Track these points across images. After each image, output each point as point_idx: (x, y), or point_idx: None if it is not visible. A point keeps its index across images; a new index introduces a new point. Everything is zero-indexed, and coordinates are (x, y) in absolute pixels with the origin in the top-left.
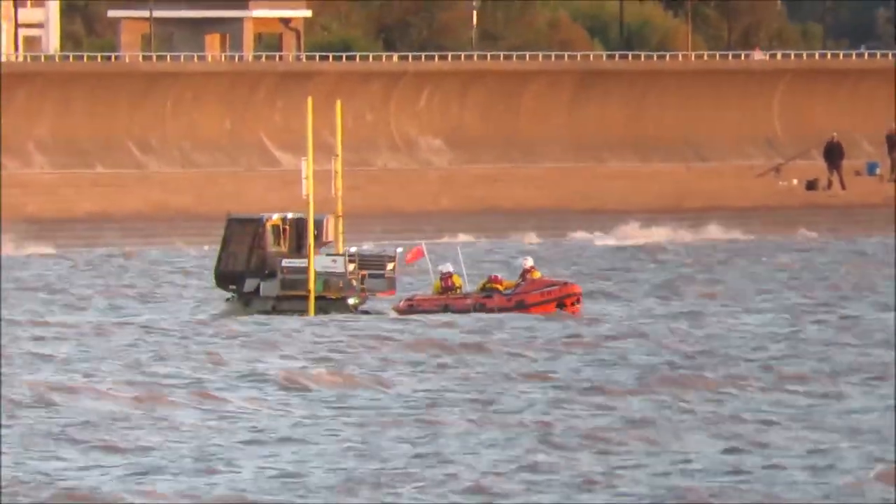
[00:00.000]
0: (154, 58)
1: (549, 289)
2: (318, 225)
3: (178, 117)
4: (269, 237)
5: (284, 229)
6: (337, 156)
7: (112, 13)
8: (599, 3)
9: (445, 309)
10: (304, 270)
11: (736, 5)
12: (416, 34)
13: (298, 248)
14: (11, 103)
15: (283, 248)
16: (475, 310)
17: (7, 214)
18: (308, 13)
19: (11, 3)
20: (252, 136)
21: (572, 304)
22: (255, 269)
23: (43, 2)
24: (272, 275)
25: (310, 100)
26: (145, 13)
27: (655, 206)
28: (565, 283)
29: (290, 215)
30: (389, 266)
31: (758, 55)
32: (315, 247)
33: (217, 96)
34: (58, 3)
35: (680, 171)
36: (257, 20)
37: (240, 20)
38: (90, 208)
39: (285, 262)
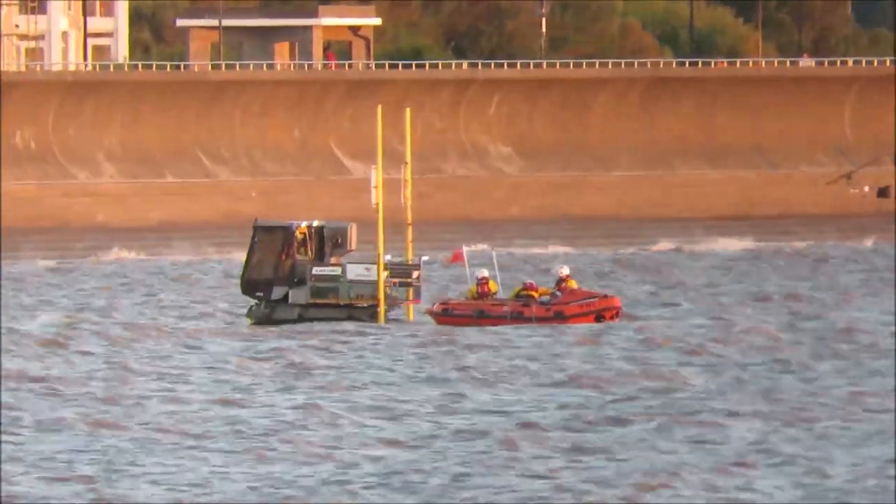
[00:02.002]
0: (223, 67)
1: (588, 300)
2: (343, 233)
3: (247, 126)
4: (297, 245)
5: (309, 237)
6: (406, 164)
7: (181, 22)
8: (670, 10)
9: (481, 314)
10: (335, 278)
11: (808, 11)
12: (485, 42)
13: (321, 257)
14: (81, 113)
15: (308, 256)
16: (511, 317)
17: (77, 223)
18: (377, 21)
19: (81, 12)
20: (321, 145)
21: (611, 317)
22: (284, 277)
23: (112, 11)
24: (301, 282)
25: (379, 108)
26: (214, 22)
27: (726, 214)
28: (605, 296)
29: (315, 223)
30: (415, 274)
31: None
32: (338, 255)
33: (286, 105)
34: (127, 12)
35: (751, 179)
36: (326, 28)
37: (309, 28)
38: (160, 217)
39: (315, 270)
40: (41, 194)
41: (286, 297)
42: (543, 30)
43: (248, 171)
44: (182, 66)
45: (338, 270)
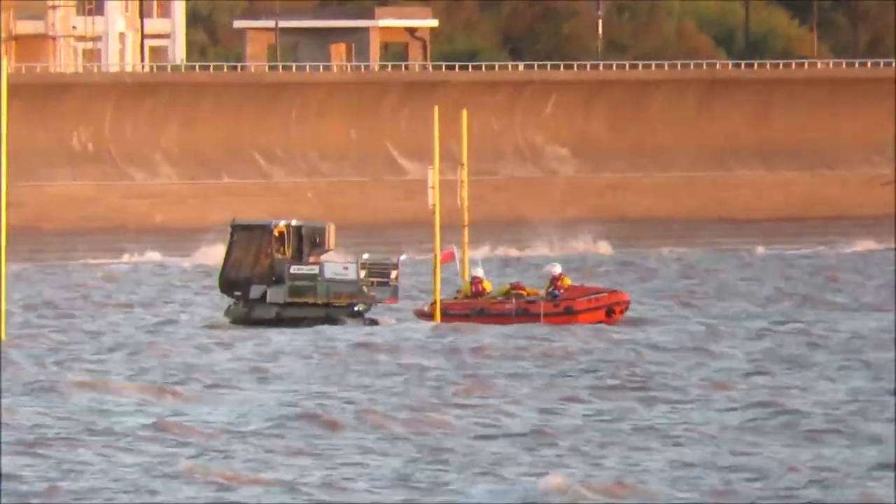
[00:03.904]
0: (280, 68)
1: (597, 296)
2: (321, 233)
3: (303, 127)
4: (275, 244)
5: (288, 237)
6: (463, 165)
7: (238, 24)
8: (725, 11)
9: (481, 313)
10: (312, 277)
11: (863, 12)
12: (542, 43)
13: (299, 256)
14: (138, 114)
15: (286, 255)
16: (517, 314)
17: (133, 225)
18: (434, 22)
19: (138, 13)
20: (378, 146)
21: (621, 311)
22: (262, 276)
23: (169, 12)
24: (279, 281)
25: (436, 109)
26: (271, 23)
27: (782, 215)
28: (613, 291)
29: (294, 222)
30: (393, 274)
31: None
32: (316, 254)
33: (343, 106)
34: (184, 13)
35: (806, 179)
36: (383, 29)
37: (366, 30)
38: (217, 218)
39: (294, 269)
40: (98, 195)
41: (264, 296)
42: (600, 31)
43: (305, 172)
44: (239, 68)
45: (315, 269)
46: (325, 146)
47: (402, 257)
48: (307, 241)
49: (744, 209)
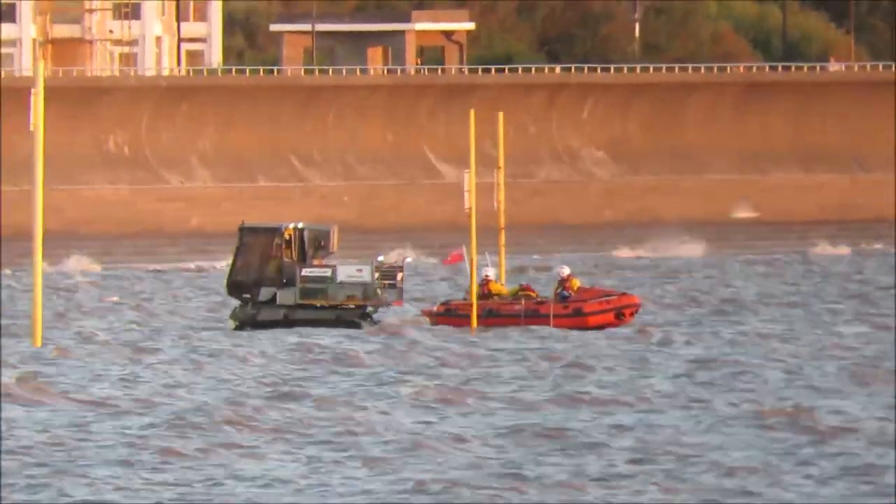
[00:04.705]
0: (316, 71)
1: (607, 297)
2: (325, 236)
3: (340, 130)
4: (284, 247)
5: (292, 239)
6: (499, 168)
7: (274, 27)
8: (762, 14)
9: (490, 314)
10: (323, 280)
11: None
12: (579, 46)
13: (303, 258)
14: (174, 118)
15: (292, 258)
16: (526, 315)
17: (170, 228)
18: (471, 26)
19: (174, 17)
20: (414, 149)
21: (631, 314)
22: (271, 278)
23: (205, 16)
24: (290, 283)
25: (472, 112)
26: (307, 27)
27: (819, 218)
28: (623, 293)
29: (300, 225)
30: (399, 276)
31: (833, 66)
32: (320, 257)
33: (379, 109)
34: (220, 17)
35: (843, 183)
36: (420, 33)
37: (402, 33)
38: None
39: (304, 272)
40: (134, 199)
41: (273, 298)
42: (637, 34)
43: (341, 176)
44: (275, 71)
45: (328, 272)
46: (362, 149)
47: (408, 260)
48: (311, 244)
49: (781, 212)
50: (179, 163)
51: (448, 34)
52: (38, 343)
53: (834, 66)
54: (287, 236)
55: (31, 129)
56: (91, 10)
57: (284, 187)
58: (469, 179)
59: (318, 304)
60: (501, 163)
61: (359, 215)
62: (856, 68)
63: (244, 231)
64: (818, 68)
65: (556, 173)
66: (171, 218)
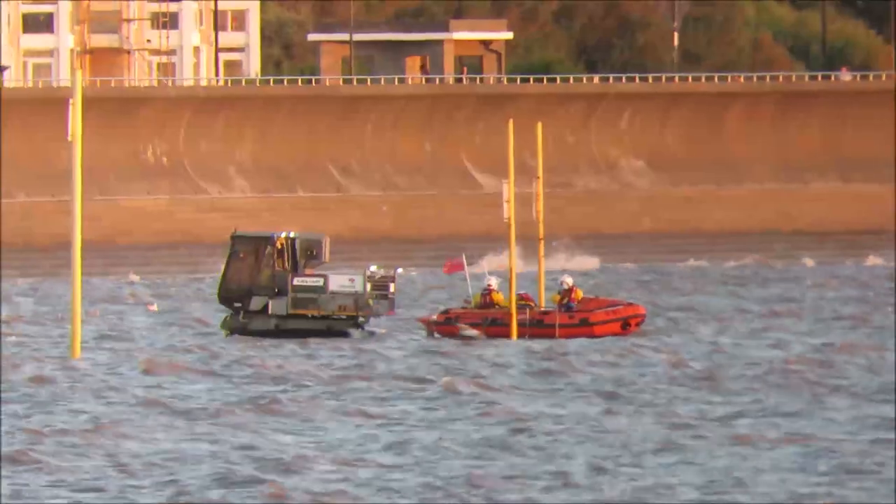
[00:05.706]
0: (354, 81)
1: (613, 307)
2: (317, 245)
3: (378, 140)
4: (276, 255)
5: (284, 248)
6: (538, 178)
7: (312, 37)
8: (801, 22)
9: (492, 323)
10: (316, 289)
11: None
12: (617, 55)
13: (294, 268)
14: (212, 128)
15: (284, 268)
16: (530, 324)
17: (209, 238)
18: (509, 35)
19: (212, 27)
20: (452, 159)
21: (637, 324)
22: (264, 287)
23: (244, 26)
24: (281, 293)
25: (510, 122)
26: (345, 37)
27: (858, 228)
28: (630, 304)
29: (292, 234)
30: (391, 287)
31: (845, 75)
32: (312, 267)
33: (417, 119)
34: (258, 27)
35: (883, 193)
36: (458, 42)
37: (440, 43)
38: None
39: (296, 281)
40: (172, 209)
41: (265, 307)
42: (675, 43)
43: (380, 186)
44: (313, 81)
45: (320, 281)
46: (400, 159)
47: (399, 270)
48: (303, 254)
49: (820, 222)
50: (218, 173)
51: (486, 43)
52: (77, 354)
53: (846, 76)
54: (279, 245)
55: (70, 139)
56: (129, 20)
57: (323, 197)
58: (507, 189)
59: (310, 315)
60: (540, 172)
61: (397, 225)
62: None
63: (236, 239)
64: (858, 77)
65: (594, 183)
66: (210, 228)
